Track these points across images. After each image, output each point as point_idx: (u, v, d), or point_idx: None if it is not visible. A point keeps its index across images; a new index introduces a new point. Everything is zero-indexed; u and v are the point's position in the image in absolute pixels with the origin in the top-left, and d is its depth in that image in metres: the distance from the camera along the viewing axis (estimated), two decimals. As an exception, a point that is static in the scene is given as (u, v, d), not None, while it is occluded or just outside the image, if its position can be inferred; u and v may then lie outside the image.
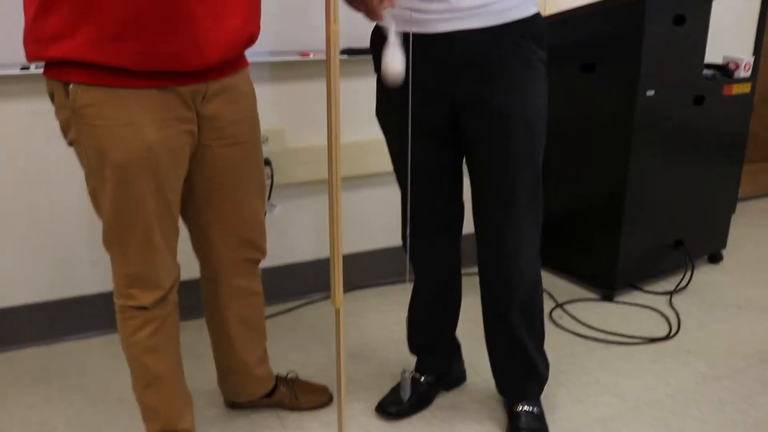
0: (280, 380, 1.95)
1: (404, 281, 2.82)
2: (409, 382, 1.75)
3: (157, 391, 1.60)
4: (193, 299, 2.22)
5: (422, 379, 1.97)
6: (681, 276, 2.86)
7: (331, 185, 1.28)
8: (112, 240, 1.46)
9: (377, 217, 2.74)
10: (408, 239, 1.79)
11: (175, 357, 1.62)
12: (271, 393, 1.91)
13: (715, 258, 3.06)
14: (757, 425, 1.90)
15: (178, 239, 1.53)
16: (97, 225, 2.24)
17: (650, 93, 2.45)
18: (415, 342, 1.97)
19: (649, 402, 2.01)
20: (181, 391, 1.65)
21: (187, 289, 1.96)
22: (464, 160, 1.69)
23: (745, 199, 3.92)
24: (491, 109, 1.53)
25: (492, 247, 1.67)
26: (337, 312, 1.36)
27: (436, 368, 1.98)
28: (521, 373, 1.82)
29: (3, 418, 1.91)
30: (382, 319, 2.52)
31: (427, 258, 1.81)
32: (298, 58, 2.37)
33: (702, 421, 1.92)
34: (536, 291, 1.74)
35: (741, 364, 2.21)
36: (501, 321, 1.75)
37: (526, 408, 1.83)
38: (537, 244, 1.69)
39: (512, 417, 1.84)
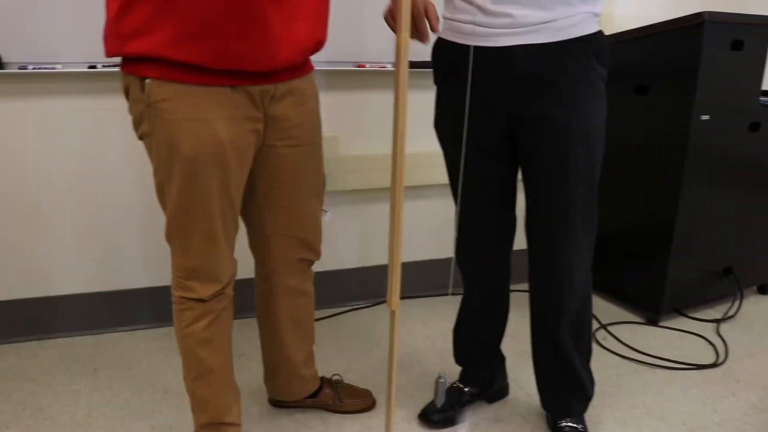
0: (325, 382, 1.98)
1: (447, 294, 2.84)
2: (443, 387, 1.75)
3: (208, 383, 1.64)
4: (237, 300, 2.29)
5: (466, 390, 1.98)
6: (729, 304, 2.83)
7: (394, 188, 1.30)
8: (175, 233, 1.50)
9: (423, 229, 2.77)
10: (459, 251, 1.82)
11: (227, 351, 1.66)
12: (315, 394, 1.95)
13: (765, 289, 3.02)
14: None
15: (236, 235, 1.58)
16: (149, 221, 2.34)
17: (705, 118, 2.44)
18: (460, 353, 1.99)
19: (697, 428, 1.99)
20: (230, 385, 1.69)
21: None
22: (519, 175, 1.72)
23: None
24: (551, 124, 1.55)
25: (545, 263, 1.68)
26: (393, 314, 1.38)
27: (479, 380, 2.00)
28: (567, 388, 1.82)
29: (51, 403, 1.98)
30: (425, 329, 2.54)
31: (478, 270, 1.84)
32: (353, 68, 2.43)
33: (749, 450, 1.90)
34: (586, 308, 1.74)
35: (791, 396, 2.18)
36: (549, 336, 1.76)
37: (570, 424, 1.84)
38: (590, 261, 1.70)
39: (555, 430, 1.86)
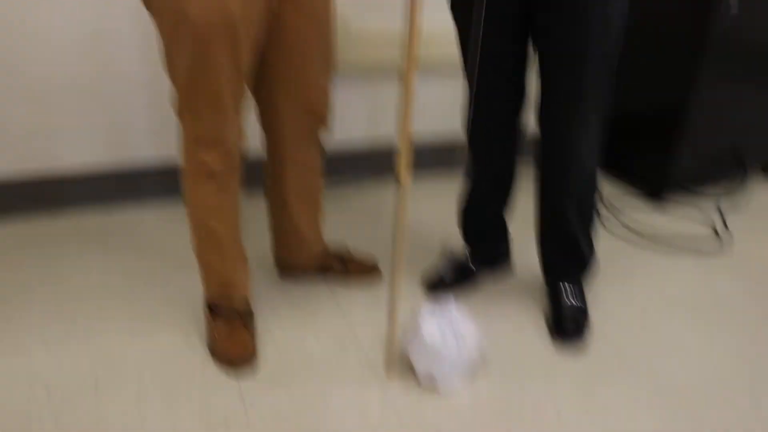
0: (332, 252, 2.03)
1: (454, 174, 2.86)
2: (450, 258, 1.76)
3: (218, 252, 1.68)
4: (246, 174, 2.28)
5: (470, 262, 2.03)
6: (734, 184, 2.85)
7: (407, 62, 1.28)
8: (185, 104, 1.49)
9: (428, 109, 2.74)
10: (470, 129, 1.83)
11: (237, 220, 1.69)
12: (323, 263, 2.00)
13: (771, 170, 3.02)
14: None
15: (241, 100, 1.57)
16: (156, 93, 2.31)
17: (733, 10, 2.36)
18: (466, 225, 2.03)
19: (693, 306, 2.06)
20: (239, 254, 1.74)
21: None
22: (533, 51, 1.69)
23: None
24: (571, 4, 1.51)
25: (555, 139, 1.69)
26: (401, 188, 1.39)
27: (484, 253, 2.04)
28: (568, 257, 1.89)
29: (66, 273, 2.03)
30: (431, 206, 2.56)
31: (488, 144, 1.84)
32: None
33: (745, 327, 1.97)
34: (593, 182, 1.77)
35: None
36: (555, 211, 1.79)
37: (569, 288, 1.91)
38: (598, 135, 1.71)
39: (555, 296, 1.91)
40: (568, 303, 1.88)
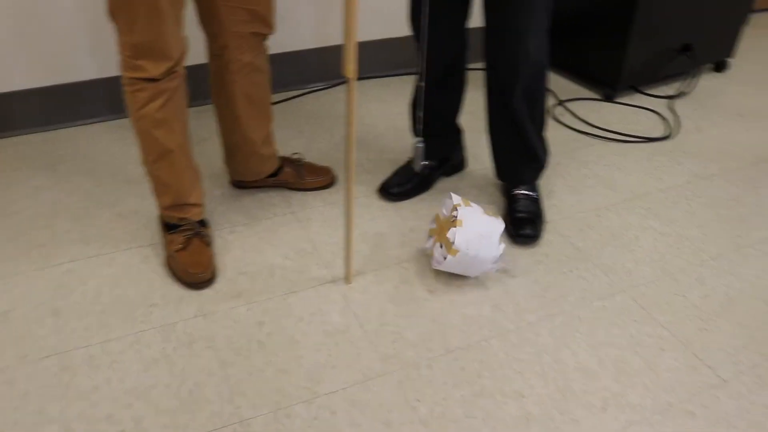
0: (285, 161, 2.02)
1: (403, 73, 2.84)
2: (421, 152, 1.74)
3: (168, 165, 1.65)
4: (193, 85, 2.24)
5: (424, 163, 2.04)
6: (684, 82, 2.89)
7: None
8: (118, 7, 1.43)
9: (376, 8, 2.69)
10: (416, 23, 1.80)
11: (185, 131, 1.66)
12: (276, 173, 1.99)
13: (721, 66, 3.07)
14: (742, 219, 2.02)
15: (183, 10, 1.52)
16: (92, 10, 2.21)
17: None
18: (417, 126, 2.02)
19: (642, 195, 2.12)
20: (190, 166, 1.71)
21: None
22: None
23: (760, 11, 3.85)
24: None
25: (501, 27, 1.67)
26: (349, 81, 1.37)
27: (437, 153, 2.05)
28: (521, 157, 1.90)
29: (15, 199, 1.99)
30: (383, 108, 2.56)
31: (435, 42, 1.81)
32: None
33: (690, 213, 2.04)
34: (541, 75, 1.76)
35: (733, 165, 2.31)
36: (505, 105, 1.79)
37: (524, 192, 1.94)
38: (546, 28, 1.69)
39: (510, 200, 1.95)
40: (525, 208, 1.92)
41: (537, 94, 1.78)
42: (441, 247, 1.65)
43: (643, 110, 2.67)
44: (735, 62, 3.17)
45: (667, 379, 1.47)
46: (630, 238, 1.92)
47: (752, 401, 1.42)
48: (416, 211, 1.98)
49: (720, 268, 1.82)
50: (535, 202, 1.95)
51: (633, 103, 2.72)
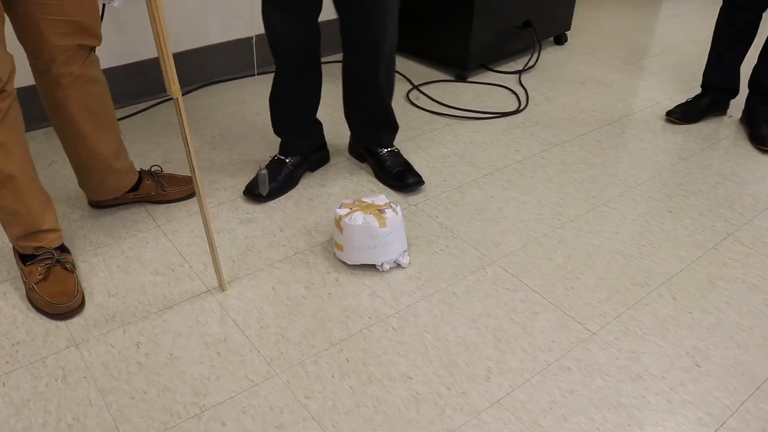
0: (144, 174, 1.95)
1: (254, 74, 2.81)
2: (266, 179, 1.79)
3: (13, 192, 1.54)
4: (33, 108, 2.12)
5: (288, 160, 2.04)
6: (529, 56, 3.03)
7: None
8: None
9: (222, 10, 2.64)
10: (268, 17, 1.80)
11: (25, 154, 1.54)
12: (136, 187, 1.91)
13: (560, 39, 3.25)
14: (593, 179, 2.16)
15: (4, 26, 1.42)
16: None
17: None
18: (279, 123, 2.03)
19: (501, 168, 2.21)
20: (38, 191, 1.60)
21: (21, 97, 1.85)
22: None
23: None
24: None
25: (363, 9, 1.77)
26: (176, 101, 1.33)
27: (299, 149, 2.06)
28: (382, 124, 2.07)
29: None
30: (241, 111, 2.53)
31: (288, 36, 1.82)
32: None
33: (547, 180, 2.15)
34: (393, 53, 1.92)
35: (581, 131, 2.45)
36: (367, 80, 1.93)
37: (387, 149, 2.11)
38: (398, 5, 1.82)
39: (378, 159, 2.11)
40: (396, 162, 2.09)
41: (391, 69, 1.95)
42: (369, 214, 1.69)
43: (495, 87, 2.78)
44: (572, 35, 3.35)
45: (543, 339, 1.54)
46: (494, 210, 1.99)
47: (620, 348, 1.52)
48: (284, 209, 1.97)
49: (579, 229, 1.92)
50: (400, 155, 2.13)
51: (485, 81, 2.82)
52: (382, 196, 1.76)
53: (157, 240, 1.83)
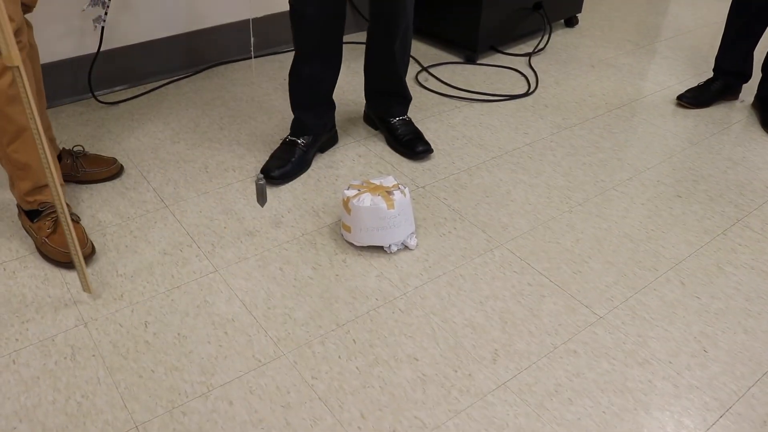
0: (64, 153, 1.94)
1: (251, 56, 2.80)
2: (262, 189, 1.76)
3: (24, 144, 1.55)
4: None
5: (300, 141, 2.04)
6: (539, 39, 3.00)
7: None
8: None
9: (235, -11, 2.63)
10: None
11: (38, 105, 1.56)
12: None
13: (571, 22, 3.21)
14: (602, 163, 2.14)
15: None
16: None
17: None
18: (298, 98, 2.04)
19: (510, 151, 2.20)
20: (48, 143, 1.54)
21: None
22: None
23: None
24: None
25: None
26: (16, 70, 1.27)
27: (312, 129, 2.07)
28: (396, 95, 2.18)
29: None
30: (249, 92, 2.52)
31: (311, 9, 1.85)
32: None
33: (555, 163, 2.14)
34: (410, 29, 2.05)
35: (590, 115, 2.43)
36: (384, 51, 2.04)
37: (399, 118, 2.20)
38: None
39: (390, 128, 2.19)
40: (408, 130, 2.17)
41: (408, 41, 2.07)
42: (377, 196, 1.68)
43: (505, 69, 2.76)
44: (583, 17, 3.32)
45: (550, 323, 1.54)
46: (502, 193, 1.98)
47: (627, 332, 1.52)
48: (292, 191, 1.97)
49: (587, 212, 1.91)
50: (412, 124, 2.20)
51: (494, 63, 2.80)
52: (390, 177, 1.75)
53: (165, 220, 1.84)
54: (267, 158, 2.06)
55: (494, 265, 1.71)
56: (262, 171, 1.99)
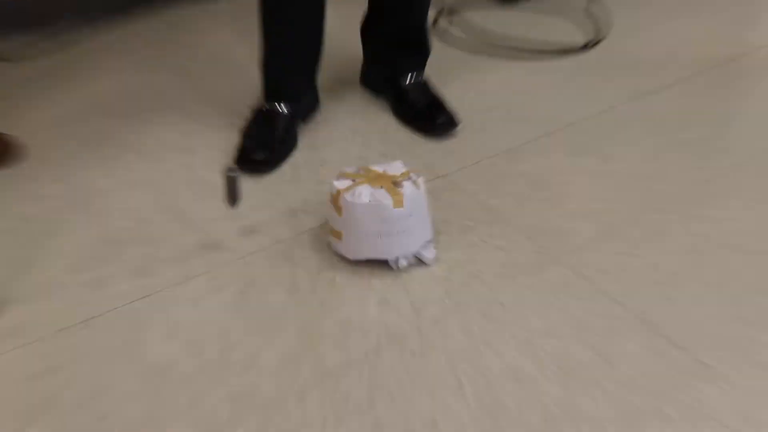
0: None
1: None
2: (237, 184, 1.75)
3: None
4: None
5: (282, 109, 2.04)
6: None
7: None
8: None
9: None
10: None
11: None
12: None
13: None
14: (699, 143, 2.09)
15: None
16: None
17: None
18: (272, 50, 2.04)
19: (566, 126, 2.16)
20: None
21: None
22: None
23: None
24: None
25: None
26: None
27: (295, 90, 2.09)
28: (410, 46, 2.18)
29: None
30: (201, 41, 2.54)
31: None
32: None
33: (632, 143, 2.09)
34: None
35: (680, 75, 2.39)
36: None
37: (413, 81, 2.20)
38: None
39: (401, 95, 2.19)
40: (424, 96, 2.18)
41: None
42: (379, 189, 1.64)
43: (555, 14, 2.74)
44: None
45: (630, 373, 1.47)
46: (557, 185, 1.94)
47: (745, 390, 1.43)
48: (260, 181, 1.94)
49: (680, 213, 1.86)
50: (429, 86, 2.20)
51: (542, 6, 2.78)
52: (397, 163, 1.70)
53: (76, 223, 1.80)
54: (227, 134, 2.07)
55: (547, 289, 1.64)
56: (241, 155, 1.98)
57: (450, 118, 2.12)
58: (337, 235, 1.68)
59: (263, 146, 1.99)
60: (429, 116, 2.13)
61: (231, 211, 1.83)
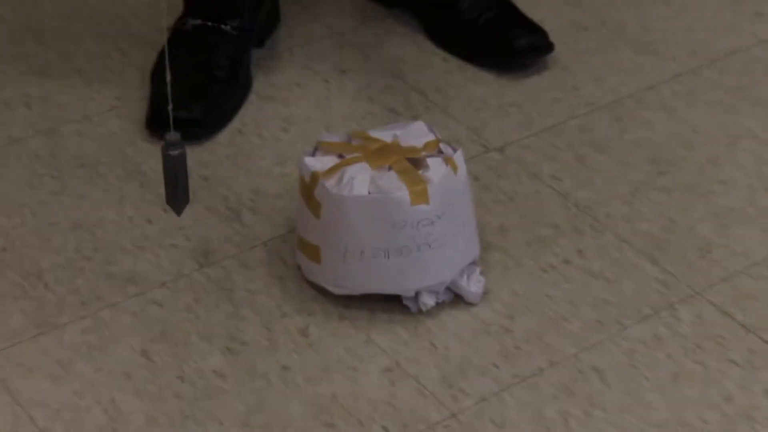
0: None
1: None
2: (182, 159, 1.64)
3: None
4: None
5: (224, 29, 2.03)
6: None
7: None
8: None
9: None
10: None
11: None
12: None
13: None
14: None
15: None
16: None
17: None
18: None
19: (714, 61, 2.15)
20: None
21: None
22: None
23: None
24: None
25: None
26: None
27: (237, 2, 2.08)
28: None
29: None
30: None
31: None
32: None
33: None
34: None
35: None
36: None
37: None
38: None
39: (451, 5, 2.13)
40: (489, 4, 2.14)
41: None
42: (386, 170, 1.55)
43: None
44: None
45: None
46: (700, 160, 1.90)
47: None
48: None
49: None
50: None
51: None
52: (419, 124, 1.58)
53: None
54: (146, 75, 2.08)
55: (680, 343, 1.53)
56: (153, 112, 1.94)
57: (539, 39, 2.08)
58: (313, 252, 1.56)
59: (192, 94, 1.86)
60: (501, 34, 2.09)
61: (129, 211, 1.74)
